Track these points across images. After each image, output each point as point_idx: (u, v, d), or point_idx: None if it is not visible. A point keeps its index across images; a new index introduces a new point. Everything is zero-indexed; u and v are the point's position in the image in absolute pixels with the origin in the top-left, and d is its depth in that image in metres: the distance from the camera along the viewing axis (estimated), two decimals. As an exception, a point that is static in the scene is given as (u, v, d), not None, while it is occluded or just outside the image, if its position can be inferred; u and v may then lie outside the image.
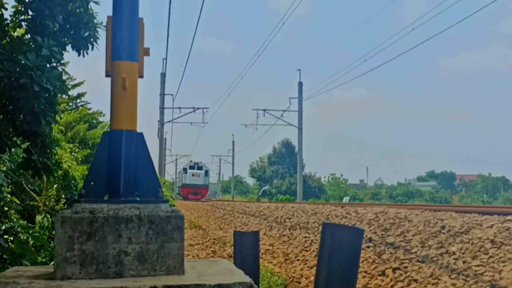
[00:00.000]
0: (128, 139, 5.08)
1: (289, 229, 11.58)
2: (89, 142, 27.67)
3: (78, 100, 34.70)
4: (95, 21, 10.05)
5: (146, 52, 5.42)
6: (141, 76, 5.41)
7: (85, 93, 34.45)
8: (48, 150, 8.94)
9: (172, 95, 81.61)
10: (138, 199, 5.08)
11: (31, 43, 8.72)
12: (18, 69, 7.71)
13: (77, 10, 9.58)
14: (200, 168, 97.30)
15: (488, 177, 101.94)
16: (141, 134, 5.21)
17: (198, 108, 51.31)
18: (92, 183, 5.06)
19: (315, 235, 9.93)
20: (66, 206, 16.03)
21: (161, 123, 45.50)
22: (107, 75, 5.32)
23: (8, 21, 9.20)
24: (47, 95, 7.94)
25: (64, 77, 8.95)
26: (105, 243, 4.76)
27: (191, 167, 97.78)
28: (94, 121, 32.79)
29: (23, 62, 7.65)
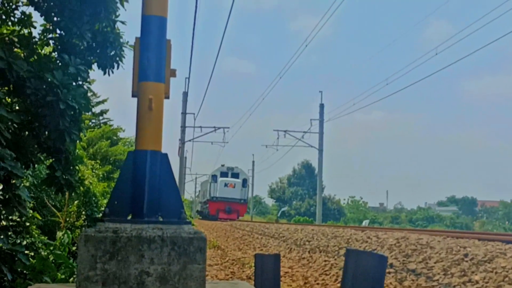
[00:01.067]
0: (152, 160, 5.10)
1: (309, 252, 11.52)
2: (111, 159, 27.90)
3: (101, 118, 35.05)
4: (121, 40, 10.18)
5: (173, 73, 5.46)
6: (167, 97, 5.45)
7: (108, 110, 34.84)
8: (71, 167, 9.03)
9: (194, 114, 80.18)
10: (161, 219, 5.10)
11: (58, 61, 8.85)
12: (44, 87, 7.82)
13: (104, 29, 9.72)
14: (235, 175, 67.86)
15: (510, 203, 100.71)
16: (166, 155, 5.23)
17: (219, 128, 51.55)
18: (116, 202, 5.08)
19: (335, 259, 9.87)
20: (86, 223, 16.13)
21: (182, 141, 45.71)
22: (133, 96, 5.36)
23: (37, 39, 9.36)
24: (72, 113, 8.04)
25: (89, 95, 9.05)
26: (128, 263, 4.76)
27: (223, 174, 67.57)
28: (115, 137, 33.08)
29: (49, 80, 7.75)
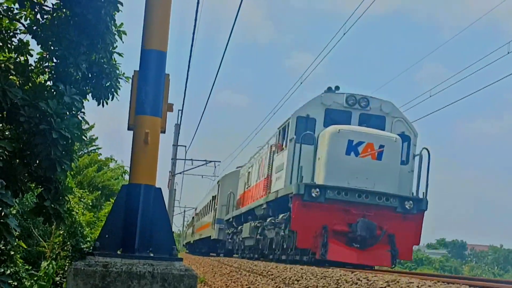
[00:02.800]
0: (146, 194, 5.06)
1: (297, 291, 11.37)
2: (99, 185, 27.75)
3: (90, 147, 34.79)
4: (117, 71, 10.19)
5: (170, 108, 5.45)
6: (163, 132, 5.43)
7: (97, 138, 34.66)
8: (60, 197, 8.93)
9: (185, 146, 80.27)
10: (152, 255, 5.03)
11: (53, 90, 8.82)
12: (38, 115, 7.77)
13: (101, 60, 9.73)
14: (378, 120, 17.28)
15: (500, 248, 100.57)
16: (160, 189, 5.19)
17: (210, 161, 51.26)
18: (106, 236, 5.02)
19: (324, 300, 9.74)
20: (71, 253, 15.93)
21: (172, 174, 45.54)
22: (129, 129, 5.34)
23: (33, 67, 9.34)
24: (64, 142, 7.97)
25: (83, 126, 9.01)
26: (116, 298, 4.67)
27: (339, 114, 16.54)
28: (105, 167, 32.92)
29: (43, 108, 7.71)
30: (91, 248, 10.49)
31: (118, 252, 4.99)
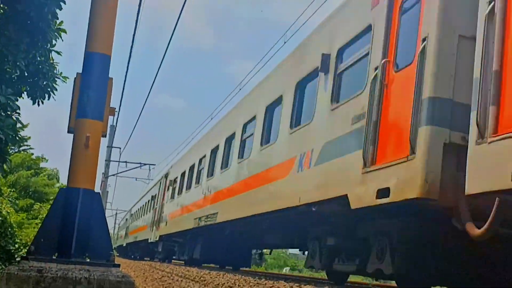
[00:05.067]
0: (84, 199, 4.99)
1: (230, 298, 11.40)
2: (31, 190, 27.03)
3: (22, 145, 33.86)
4: (55, 71, 9.99)
5: (112, 112, 5.40)
6: (104, 136, 5.38)
7: (29, 137, 33.75)
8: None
9: (120, 148, 78.41)
10: (88, 260, 4.96)
11: (-12, 90, 8.56)
12: (-29, 115, 7.55)
13: (38, 59, 9.52)
14: None
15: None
16: (99, 194, 5.14)
17: (144, 164, 50.71)
18: (42, 240, 4.92)
19: (257, 308, 9.80)
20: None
21: (106, 176, 44.78)
22: (69, 131, 5.26)
23: (-32, 65, 9.07)
24: (-2, 143, 7.77)
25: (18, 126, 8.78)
26: (50, 304, 4.59)
27: None
28: (35, 167, 32.09)
29: (-23, 108, 7.50)
30: (20, 249, 10.26)
31: (54, 257, 4.90)
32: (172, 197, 24.86)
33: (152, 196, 33.30)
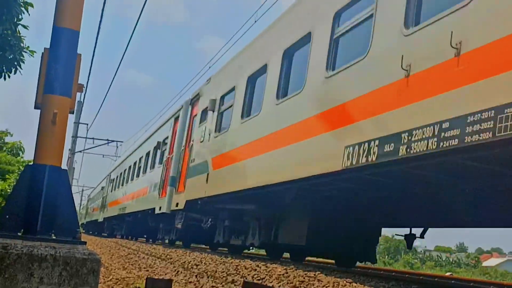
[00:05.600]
0: (51, 175, 4.95)
1: (196, 276, 11.46)
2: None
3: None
4: (22, 45, 9.84)
5: (80, 88, 5.35)
6: (72, 112, 5.33)
7: (-7, 112, 33.21)
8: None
9: (87, 124, 77.27)
10: (54, 237, 4.94)
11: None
12: None
13: (4, 32, 9.37)
14: None
15: (391, 238, 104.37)
16: (66, 171, 5.10)
17: (112, 141, 50.39)
18: (7, 216, 4.88)
19: (223, 285, 9.88)
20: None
21: (72, 152, 44.40)
22: (36, 107, 5.20)
23: None
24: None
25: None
26: (15, 281, 4.56)
27: None
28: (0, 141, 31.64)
29: None
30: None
31: (19, 234, 4.86)
32: (218, 130, 14.57)
33: (158, 143, 22.40)
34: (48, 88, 5.11)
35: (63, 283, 4.70)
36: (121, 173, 34.05)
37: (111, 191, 37.48)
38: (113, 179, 38.01)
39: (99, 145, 49.48)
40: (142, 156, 26.67)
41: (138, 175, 26.88)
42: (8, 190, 19.46)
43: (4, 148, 31.69)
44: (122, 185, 31.92)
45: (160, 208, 19.34)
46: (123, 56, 35.69)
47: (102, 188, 45.99)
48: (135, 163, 28.92)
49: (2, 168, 26.76)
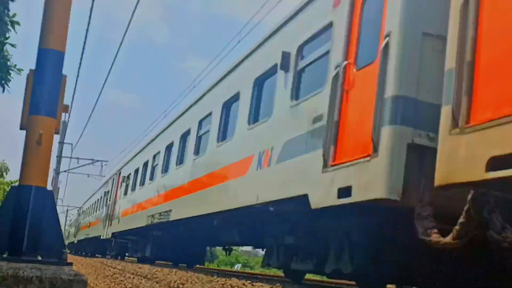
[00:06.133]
0: (36, 196, 4.95)
1: (182, 295, 11.41)
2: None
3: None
4: (8, 63, 9.85)
5: (65, 109, 5.37)
6: (57, 133, 5.34)
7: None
8: None
9: (72, 144, 76.85)
10: (40, 258, 4.92)
11: None
12: None
13: (-9, 50, 9.38)
14: None
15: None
16: (51, 192, 5.10)
17: (97, 161, 50.15)
18: (-8, 238, 4.86)
19: (209, 305, 9.85)
20: None
21: (57, 172, 44.09)
22: (21, 128, 5.21)
23: None
24: None
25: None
26: (0, 303, 4.53)
27: None
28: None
29: None
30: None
31: (4, 255, 4.84)
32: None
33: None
34: (33, 109, 5.13)
35: (49, 305, 4.68)
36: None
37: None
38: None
39: (84, 165, 49.26)
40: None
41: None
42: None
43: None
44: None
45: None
46: (107, 76, 35.81)
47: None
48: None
49: None
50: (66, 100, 5.76)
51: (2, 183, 27.15)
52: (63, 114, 5.63)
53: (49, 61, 5.22)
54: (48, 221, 5.01)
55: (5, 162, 32.78)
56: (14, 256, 4.86)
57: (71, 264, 4.98)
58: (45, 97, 5.14)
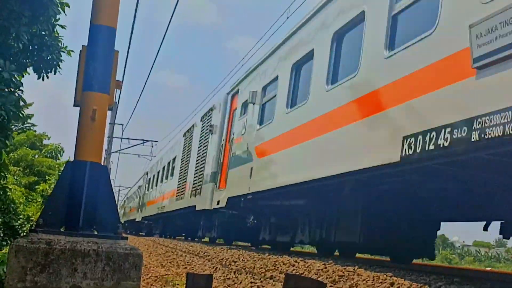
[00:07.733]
0: (92, 172, 4.99)
1: (234, 272, 11.48)
2: (35, 169, 27.06)
3: (25, 123, 33.83)
4: (59, 45, 9.94)
5: (118, 85, 5.39)
6: (111, 109, 5.36)
7: (33, 115, 33.67)
8: (-4, 173, 8.70)
9: (122, 125, 78.05)
10: (96, 233, 4.98)
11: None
12: (-27, 90, 7.50)
13: (42, 33, 9.47)
14: None
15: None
16: (106, 167, 5.14)
17: (147, 141, 50.87)
18: (50, 212, 4.93)
19: (261, 281, 9.88)
20: (2, 230, 15.50)
21: (108, 152, 44.91)
22: (75, 105, 5.24)
23: (-30, 38, 9.01)
24: (0, 119, 7.74)
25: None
26: (59, 276, 4.61)
27: None
28: (39, 144, 32.10)
29: (-21, 84, 7.45)
30: (24, 225, 10.26)
31: (62, 230, 4.91)
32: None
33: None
34: (87, 86, 5.16)
35: (106, 278, 4.74)
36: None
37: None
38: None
39: (135, 145, 49.98)
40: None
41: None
42: (49, 191, 19.83)
43: (44, 151, 32.12)
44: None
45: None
46: (155, 57, 36.08)
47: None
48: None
49: (43, 171, 27.14)
50: (117, 78, 5.78)
51: (58, 164, 27.75)
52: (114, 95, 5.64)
53: (101, 36, 5.23)
54: (103, 196, 5.05)
55: (60, 145, 33.34)
56: (71, 231, 4.93)
57: (126, 238, 5.02)
58: (98, 73, 5.16)
